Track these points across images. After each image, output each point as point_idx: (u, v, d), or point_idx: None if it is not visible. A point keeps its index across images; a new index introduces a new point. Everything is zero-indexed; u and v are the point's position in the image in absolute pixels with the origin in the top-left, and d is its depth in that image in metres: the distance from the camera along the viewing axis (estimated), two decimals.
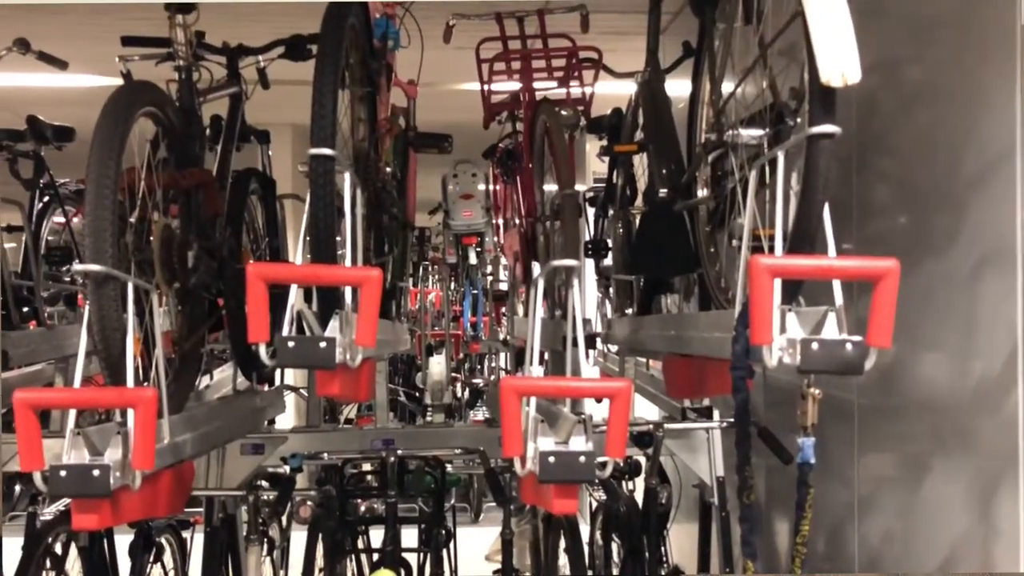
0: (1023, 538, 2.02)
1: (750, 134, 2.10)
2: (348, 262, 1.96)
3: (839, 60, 1.65)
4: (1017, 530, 2.02)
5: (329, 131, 1.93)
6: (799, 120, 2.02)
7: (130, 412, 1.84)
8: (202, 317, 2.56)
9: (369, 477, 3.29)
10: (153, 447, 1.84)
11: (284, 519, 3.66)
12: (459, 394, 7.84)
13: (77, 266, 1.91)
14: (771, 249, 2.25)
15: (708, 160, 2.32)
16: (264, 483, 3.38)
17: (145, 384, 2.10)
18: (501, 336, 7.16)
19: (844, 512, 2.77)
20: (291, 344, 1.84)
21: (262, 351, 1.86)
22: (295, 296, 1.92)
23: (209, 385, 3.59)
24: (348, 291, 1.95)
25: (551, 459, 1.85)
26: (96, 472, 1.77)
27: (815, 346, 1.65)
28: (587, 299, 5.14)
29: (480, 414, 7.80)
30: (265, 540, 3.59)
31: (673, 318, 2.69)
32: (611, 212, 4.05)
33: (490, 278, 7.94)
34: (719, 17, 2.33)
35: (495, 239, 6.96)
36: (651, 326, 2.94)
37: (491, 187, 5.60)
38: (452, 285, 8.81)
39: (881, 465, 2.71)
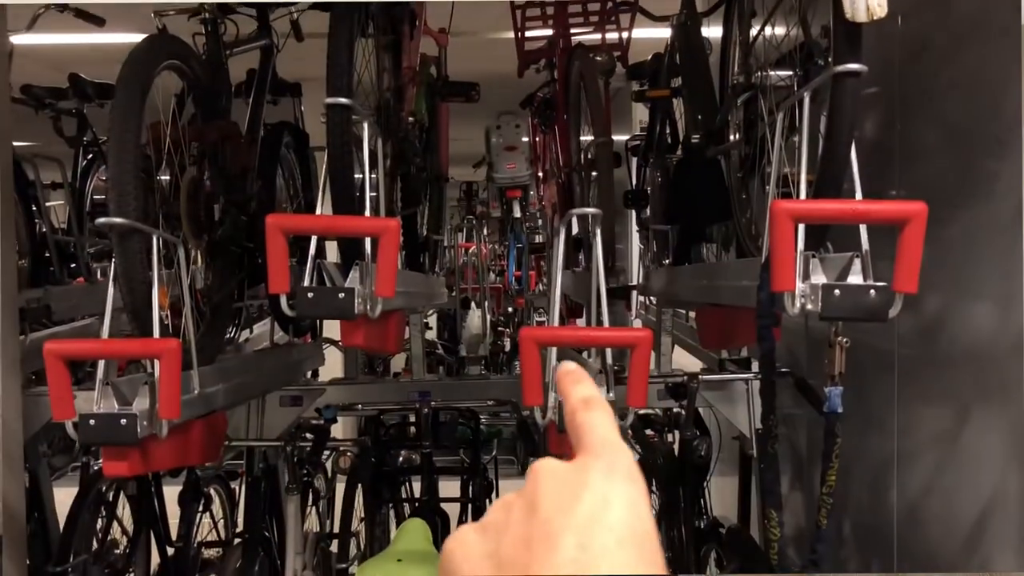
0: None
1: (779, 75, 2.03)
2: (368, 213, 1.95)
3: None
4: None
5: (345, 80, 1.91)
6: (830, 60, 1.95)
7: (156, 362, 1.86)
8: (233, 270, 2.59)
9: (410, 429, 3.32)
10: (178, 397, 1.87)
11: (328, 470, 3.72)
12: (507, 348, 7.86)
13: (100, 220, 1.92)
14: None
15: (738, 104, 2.25)
16: (306, 434, 3.43)
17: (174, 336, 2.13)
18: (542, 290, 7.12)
19: (884, 464, 2.72)
20: (310, 295, 1.84)
21: (282, 302, 1.86)
22: (314, 247, 1.92)
23: (249, 339, 3.64)
24: (368, 242, 1.95)
25: (836, 292, 1.76)
26: (124, 421, 1.80)
27: (837, 292, 1.60)
28: (628, 249, 5.09)
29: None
30: (310, 491, 3.66)
31: (705, 268, 2.64)
32: (651, 161, 3.98)
33: (534, 232, 7.90)
34: None
35: (539, 192, 6.90)
36: (685, 276, 2.90)
37: (531, 138, 5.55)
38: (498, 239, 8.77)
39: (922, 416, 2.65)
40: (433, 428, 3.09)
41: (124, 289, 1.95)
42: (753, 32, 2.11)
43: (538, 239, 8.05)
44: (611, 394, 1.90)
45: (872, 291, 1.60)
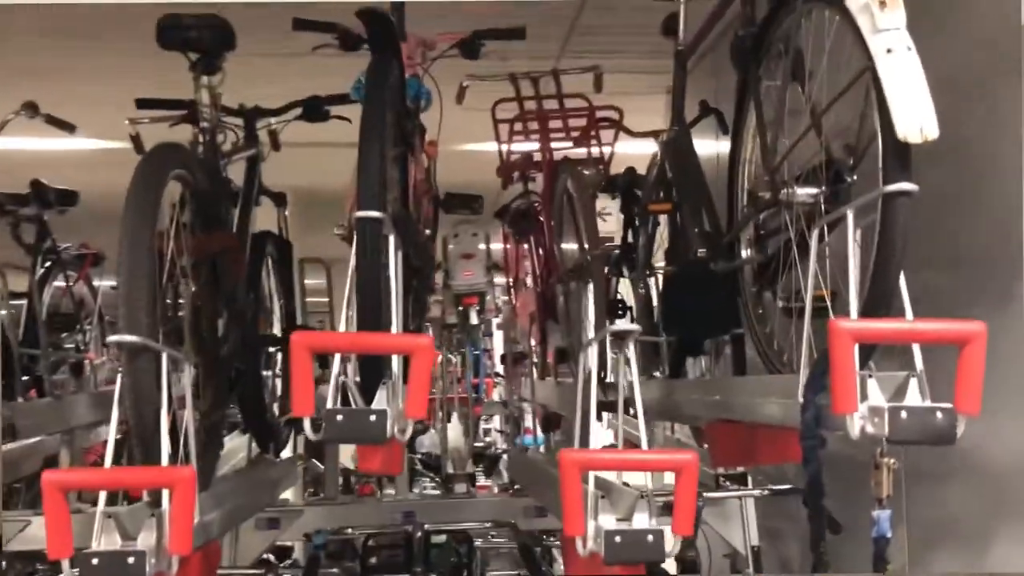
0: None
1: (806, 192, 2.03)
2: (395, 329, 1.86)
3: (917, 115, 1.59)
4: None
5: (376, 191, 1.85)
6: (855, 178, 1.97)
7: (165, 493, 1.71)
8: (228, 388, 2.45)
9: (388, 551, 3.14)
10: (191, 529, 1.71)
11: None
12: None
13: (112, 337, 1.79)
14: (824, 311, 2.18)
15: (759, 218, 2.25)
16: (271, 557, 3.23)
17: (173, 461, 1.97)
18: (496, 398, 6.99)
19: None
20: (340, 418, 1.73)
21: (306, 425, 1.74)
22: (338, 366, 1.82)
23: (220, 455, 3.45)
24: (396, 360, 1.85)
25: (617, 538, 1.74)
26: (131, 560, 1.64)
27: (904, 415, 1.56)
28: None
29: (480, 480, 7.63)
30: None
31: (717, 382, 2.60)
32: (629, 273, 3.97)
33: (486, 339, 7.79)
34: (764, 74, 2.28)
35: (495, 299, 6.85)
36: (689, 390, 2.85)
37: (501, 247, 5.54)
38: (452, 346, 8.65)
39: (931, 533, 2.60)
40: (425, 553, 2.93)
41: (131, 411, 1.81)
42: (777, 149, 2.12)
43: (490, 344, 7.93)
44: (653, 520, 1.81)
45: (939, 413, 1.56)
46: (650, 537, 1.75)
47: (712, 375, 3.20)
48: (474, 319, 7.82)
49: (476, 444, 8.17)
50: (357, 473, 4.01)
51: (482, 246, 5.74)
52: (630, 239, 3.95)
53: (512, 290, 5.34)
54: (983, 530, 2.35)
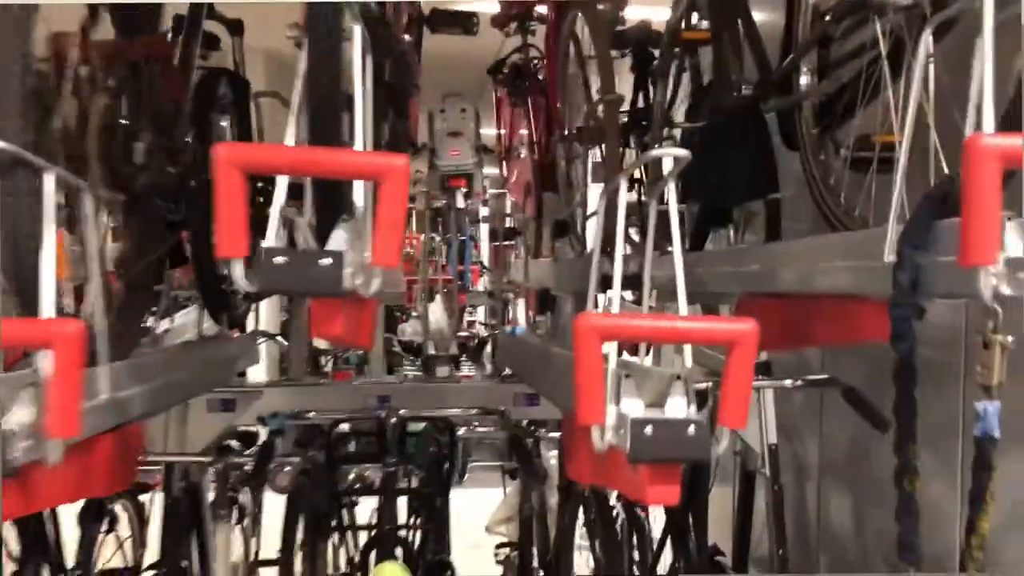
0: None
1: None
2: (360, 146, 1.39)
3: None
4: None
5: None
6: None
7: (45, 354, 1.26)
8: (157, 237, 1.98)
9: (359, 439, 2.74)
10: (78, 405, 1.28)
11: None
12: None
13: None
14: (884, 161, 1.73)
15: (839, 28, 1.76)
16: (234, 443, 2.83)
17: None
18: (481, 288, 6.59)
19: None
20: (280, 260, 1.27)
21: (237, 271, 1.29)
22: (283, 193, 1.35)
23: (169, 329, 3.01)
24: (360, 190, 1.39)
25: (648, 429, 1.31)
26: None
27: None
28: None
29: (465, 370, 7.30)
30: (235, 507, 3.06)
31: (754, 249, 2.15)
32: (641, 139, 3.48)
33: (477, 223, 7.37)
34: None
35: (484, 183, 6.41)
36: (716, 262, 2.40)
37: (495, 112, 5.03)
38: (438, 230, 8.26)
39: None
40: (399, 442, 2.53)
41: (2, 248, 1.34)
42: None
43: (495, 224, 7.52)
44: (692, 408, 1.38)
45: None
46: (691, 428, 1.33)
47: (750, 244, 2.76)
48: (461, 202, 7.40)
49: (460, 333, 7.85)
50: (331, 352, 3.60)
51: (471, 124, 5.26)
52: (640, 104, 3.45)
53: (504, 161, 4.84)
54: None
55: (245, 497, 3.38)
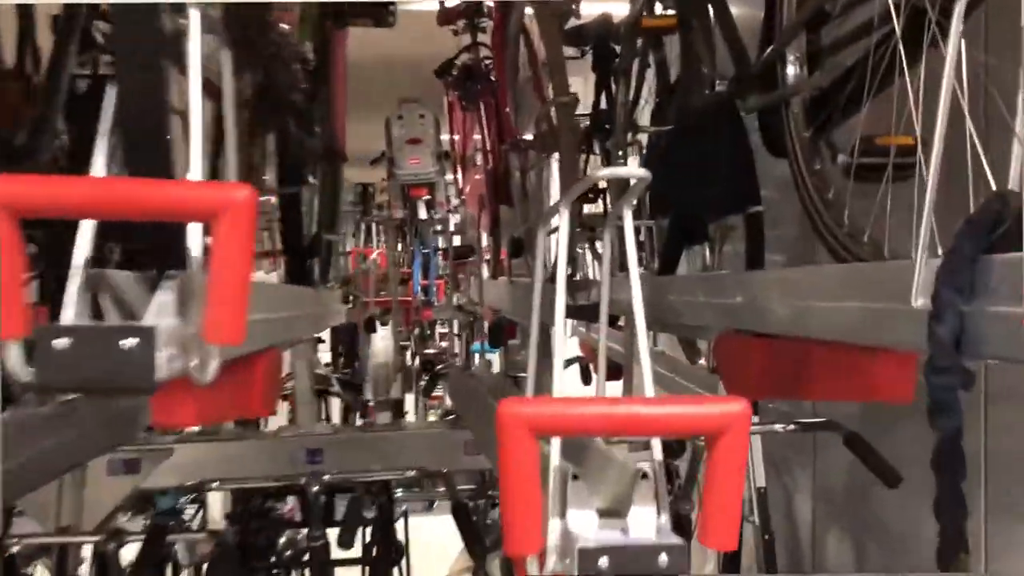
0: None
1: None
2: (196, 174, 1.00)
3: None
4: None
5: None
6: None
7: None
8: None
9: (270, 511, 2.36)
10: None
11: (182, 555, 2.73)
12: (409, 362, 6.94)
13: None
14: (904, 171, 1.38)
15: (838, 5, 1.39)
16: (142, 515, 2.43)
17: None
18: (455, 301, 6.20)
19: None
20: (63, 344, 0.88)
21: (12, 359, 0.90)
22: (86, 244, 0.96)
23: None
24: (198, 235, 1.01)
25: (603, 561, 0.94)
26: None
27: None
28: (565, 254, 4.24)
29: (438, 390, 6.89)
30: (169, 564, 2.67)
31: (739, 278, 1.79)
32: (604, 143, 3.11)
33: (442, 234, 7.01)
34: None
35: (447, 192, 6.07)
36: (692, 289, 2.03)
37: (446, 126, 4.66)
38: (399, 245, 7.90)
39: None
40: (329, 507, 2.14)
41: None
42: None
43: (441, 242, 7.17)
44: (664, 519, 1.01)
45: None
46: (662, 557, 0.95)
47: (714, 270, 2.40)
48: (423, 213, 7.05)
49: (428, 351, 7.46)
50: None
51: (431, 130, 4.92)
52: (603, 105, 3.08)
53: (460, 170, 4.47)
54: None
55: (181, 551, 2.99)
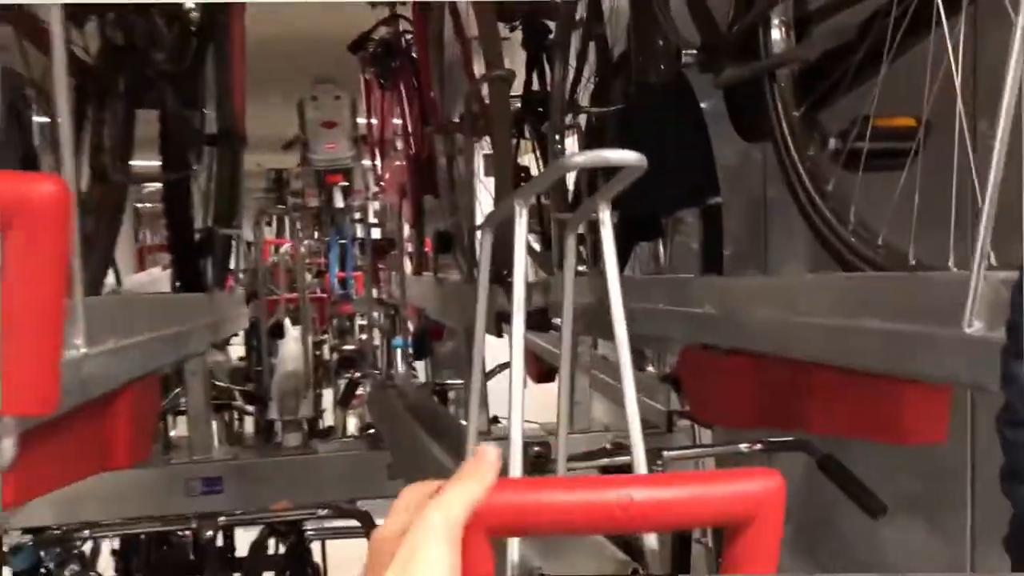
0: None
1: None
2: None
3: None
4: None
5: None
6: None
7: None
8: None
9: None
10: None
11: None
12: (327, 357, 6.58)
13: None
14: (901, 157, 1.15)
15: None
16: None
17: None
18: (375, 294, 5.89)
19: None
20: None
21: None
22: None
23: None
24: None
25: None
26: None
27: None
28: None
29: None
30: None
31: (708, 284, 1.53)
32: (537, 127, 2.83)
33: (360, 223, 6.67)
34: None
35: (365, 179, 5.75)
36: (652, 295, 1.77)
37: (362, 107, 4.34)
38: (315, 234, 7.51)
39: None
40: (227, 550, 1.81)
41: None
42: None
43: (359, 231, 6.82)
44: None
45: None
46: None
47: (667, 268, 2.15)
48: (339, 201, 6.67)
49: (346, 347, 7.09)
50: None
51: (347, 112, 4.59)
52: (535, 86, 2.80)
53: (379, 156, 4.14)
54: None
55: None
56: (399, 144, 3.67)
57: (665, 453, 1.86)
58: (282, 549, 2.16)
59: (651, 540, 0.79)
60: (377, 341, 6.59)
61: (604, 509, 0.67)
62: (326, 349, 6.71)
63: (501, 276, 2.31)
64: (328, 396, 6.00)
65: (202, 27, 1.83)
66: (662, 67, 1.79)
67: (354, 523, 1.78)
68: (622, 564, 0.79)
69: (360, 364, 5.27)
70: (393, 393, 2.17)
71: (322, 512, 1.71)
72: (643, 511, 0.69)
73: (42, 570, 1.77)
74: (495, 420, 2.49)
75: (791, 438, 2.05)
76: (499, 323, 2.26)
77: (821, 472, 1.88)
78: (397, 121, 3.63)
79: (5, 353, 0.61)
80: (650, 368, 2.52)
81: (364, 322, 7.93)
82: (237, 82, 2.11)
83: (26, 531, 1.67)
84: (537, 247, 2.89)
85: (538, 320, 2.06)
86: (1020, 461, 0.79)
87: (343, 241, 6.74)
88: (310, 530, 1.93)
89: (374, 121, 4.05)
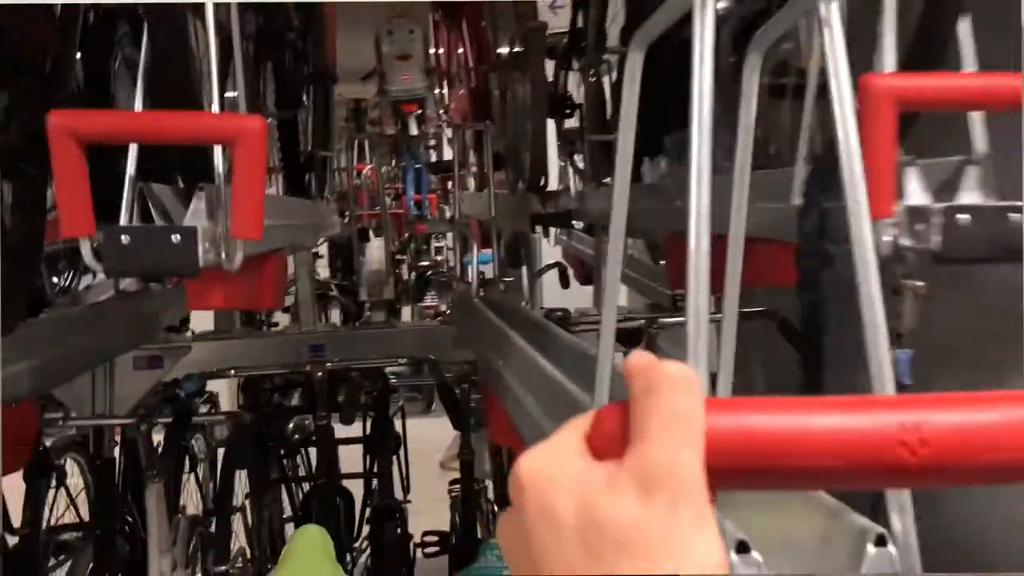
0: None
1: None
2: (215, 107, 1.27)
3: None
4: None
5: None
6: None
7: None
8: (37, 198, 1.85)
9: (295, 390, 2.67)
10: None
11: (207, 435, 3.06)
12: (405, 277, 7.19)
13: None
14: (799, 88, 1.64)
15: None
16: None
17: None
18: (447, 215, 6.46)
19: None
20: (126, 239, 1.16)
21: (85, 251, 1.18)
22: (133, 163, 1.23)
23: (91, 286, 2.89)
24: (219, 155, 1.27)
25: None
26: None
27: (965, 220, 1.03)
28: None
29: (428, 300, 7.19)
30: (187, 456, 3.01)
31: (678, 186, 2.05)
32: (579, 61, 3.33)
33: (435, 149, 7.19)
34: None
35: (439, 107, 6.22)
36: (648, 197, 2.30)
37: (432, 42, 4.83)
38: (392, 160, 8.07)
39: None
40: (331, 393, 2.45)
41: None
42: None
43: (434, 157, 7.34)
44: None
45: (1012, 215, 1.04)
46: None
47: (674, 178, 2.66)
48: (414, 129, 7.18)
49: (422, 264, 7.70)
50: None
51: (420, 46, 5.05)
52: (580, 23, 3.29)
53: (447, 87, 4.67)
54: None
55: (198, 443, 3.33)
56: (463, 77, 4.20)
57: (660, 319, 2.42)
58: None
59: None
60: (452, 261, 7.16)
61: (879, 446, 0.39)
62: (404, 269, 7.36)
63: (537, 186, 2.86)
64: (406, 313, 6.65)
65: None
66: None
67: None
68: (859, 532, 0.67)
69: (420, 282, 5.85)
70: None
71: (402, 360, 2.33)
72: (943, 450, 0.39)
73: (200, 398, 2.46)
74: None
75: (759, 309, 2.59)
76: (533, 224, 2.81)
77: (780, 334, 2.42)
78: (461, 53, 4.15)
79: (236, 204, 1.20)
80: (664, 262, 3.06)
81: (439, 244, 8.54)
82: (330, 34, 2.66)
83: None
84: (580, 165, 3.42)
85: (563, 219, 2.61)
86: (804, 278, 1.33)
87: (418, 166, 7.31)
88: (393, 378, 2.55)
89: (441, 55, 4.56)
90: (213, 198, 1.25)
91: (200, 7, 1.29)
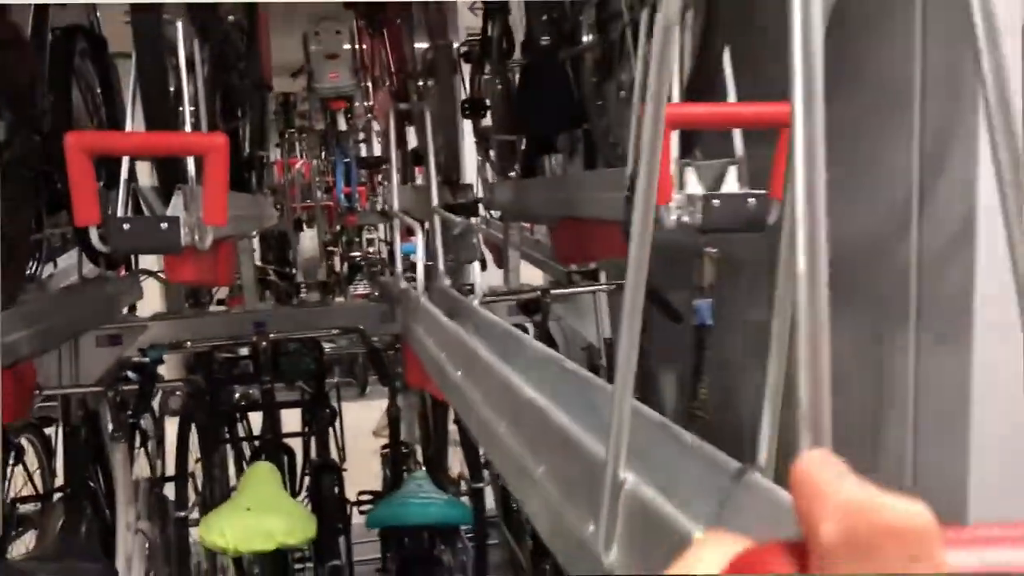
0: (911, 384, 2.01)
1: None
2: (188, 127, 1.69)
3: None
4: (907, 378, 2.01)
5: None
6: None
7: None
8: (28, 197, 2.24)
9: (245, 362, 3.07)
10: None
11: (157, 410, 3.43)
12: (338, 268, 7.56)
13: None
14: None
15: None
16: (131, 374, 3.12)
17: None
18: (379, 207, 6.86)
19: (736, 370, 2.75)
20: (126, 226, 1.58)
21: (93, 236, 1.59)
22: (127, 170, 1.65)
23: (54, 274, 3.25)
24: (191, 162, 1.69)
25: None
26: None
27: (717, 203, 1.51)
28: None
29: (360, 288, 7.57)
30: (137, 432, 3.37)
31: (562, 180, 2.53)
32: (488, 68, 3.79)
33: (364, 143, 7.54)
34: None
35: (365, 103, 6.57)
36: (538, 189, 2.77)
37: (357, 45, 5.21)
38: (322, 154, 8.39)
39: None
40: (273, 361, 2.87)
41: None
42: None
43: (364, 151, 7.69)
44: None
45: (751, 199, 1.52)
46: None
47: (566, 173, 3.14)
48: (342, 124, 7.50)
49: (353, 255, 8.08)
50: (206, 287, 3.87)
51: (347, 45, 5.38)
52: (490, 32, 3.74)
53: (371, 90, 5.08)
54: None
55: (146, 422, 3.70)
56: (384, 80, 4.62)
57: (553, 291, 2.90)
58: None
59: None
60: (383, 253, 7.53)
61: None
62: (337, 261, 7.71)
63: (451, 179, 3.31)
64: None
65: (249, 29, 2.80)
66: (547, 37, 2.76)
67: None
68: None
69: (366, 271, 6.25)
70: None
71: (335, 331, 2.76)
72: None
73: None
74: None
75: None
76: (451, 211, 3.25)
77: (647, 300, 2.92)
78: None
79: (207, 199, 1.62)
80: None
81: (371, 236, 8.91)
82: (265, 48, 3.07)
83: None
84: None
85: (471, 209, 3.06)
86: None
87: (347, 160, 7.67)
88: (328, 346, 2.97)
89: (365, 58, 4.96)
90: (188, 195, 1.67)
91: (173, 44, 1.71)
